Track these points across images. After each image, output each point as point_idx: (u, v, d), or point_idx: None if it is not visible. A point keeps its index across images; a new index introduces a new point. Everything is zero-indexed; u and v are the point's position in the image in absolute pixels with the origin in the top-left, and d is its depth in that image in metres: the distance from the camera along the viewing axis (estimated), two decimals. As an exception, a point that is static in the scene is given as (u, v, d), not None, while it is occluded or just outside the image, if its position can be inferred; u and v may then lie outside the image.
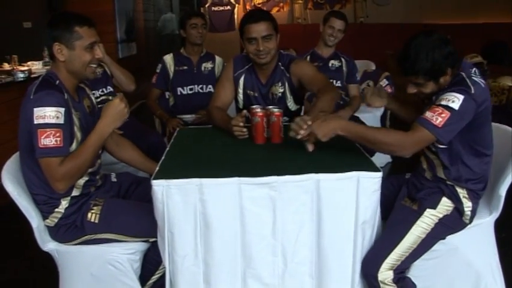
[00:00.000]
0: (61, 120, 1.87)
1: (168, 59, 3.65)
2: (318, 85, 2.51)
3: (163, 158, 2.10)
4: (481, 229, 2.14)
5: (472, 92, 1.86)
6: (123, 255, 2.06)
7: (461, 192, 2.01)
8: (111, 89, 3.29)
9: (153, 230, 1.93)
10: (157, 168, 1.95)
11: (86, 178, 2.07)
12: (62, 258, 2.12)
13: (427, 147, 2.04)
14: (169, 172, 1.90)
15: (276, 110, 2.27)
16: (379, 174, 1.85)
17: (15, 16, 6.30)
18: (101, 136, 1.98)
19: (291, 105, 2.74)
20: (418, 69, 1.93)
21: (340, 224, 1.86)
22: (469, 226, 2.07)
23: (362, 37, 8.02)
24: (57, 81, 1.98)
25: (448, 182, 2.02)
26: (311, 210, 1.86)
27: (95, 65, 2.07)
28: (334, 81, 3.61)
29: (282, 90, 2.67)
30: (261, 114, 2.25)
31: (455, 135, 1.91)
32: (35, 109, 1.85)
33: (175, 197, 1.81)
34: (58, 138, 1.85)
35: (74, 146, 1.96)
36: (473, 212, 2.04)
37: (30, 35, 6.22)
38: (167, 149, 2.26)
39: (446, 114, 1.84)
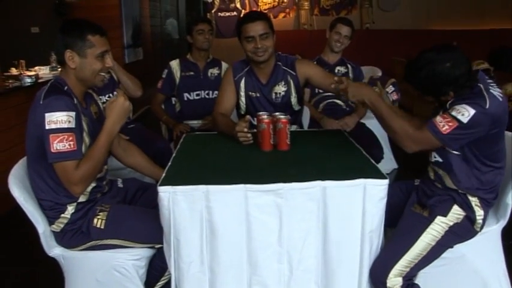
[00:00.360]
0: (73, 125, 1.88)
1: (174, 64, 3.65)
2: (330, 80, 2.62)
3: (169, 164, 2.10)
4: (488, 237, 2.12)
5: (487, 106, 1.85)
6: (129, 261, 2.06)
7: (473, 200, 2.00)
8: None
9: (159, 236, 1.93)
10: (163, 175, 1.95)
11: (93, 184, 2.08)
12: (68, 263, 2.12)
13: (433, 161, 2.07)
14: (176, 178, 1.89)
15: (283, 117, 2.27)
16: (386, 182, 1.84)
17: (23, 21, 6.36)
18: (111, 135, 2.00)
19: (295, 104, 2.78)
20: (418, 83, 1.97)
21: (346, 232, 1.86)
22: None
23: (368, 43, 8.02)
24: (66, 87, 1.99)
25: (460, 191, 2.01)
26: (317, 218, 1.85)
27: (104, 73, 2.08)
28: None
29: (285, 89, 2.74)
30: (267, 121, 2.24)
31: (469, 145, 1.93)
32: (46, 114, 1.85)
33: (182, 204, 1.81)
34: (71, 142, 1.87)
35: (83, 151, 1.96)
36: (484, 221, 2.03)
37: (38, 40, 6.27)
38: (173, 155, 2.26)
39: (454, 124, 1.86)
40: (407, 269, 1.94)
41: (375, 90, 2.19)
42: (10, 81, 4.25)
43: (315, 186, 1.82)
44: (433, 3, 9.07)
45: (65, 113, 1.87)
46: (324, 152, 2.25)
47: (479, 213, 2.00)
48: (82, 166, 1.90)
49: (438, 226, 1.98)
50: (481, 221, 2.01)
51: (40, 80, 4.56)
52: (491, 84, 1.95)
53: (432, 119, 1.92)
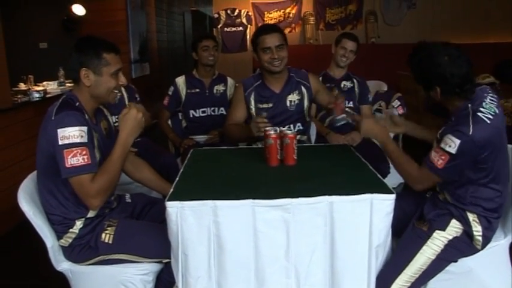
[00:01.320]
0: (85, 139, 1.90)
1: (180, 81, 3.67)
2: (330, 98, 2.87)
3: (177, 179, 2.11)
4: (496, 251, 2.11)
5: (470, 133, 1.86)
6: (136, 275, 2.07)
7: (471, 216, 1.99)
8: None
9: (167, 251, 1.93)
10: (171, 190, 1.96)
11: None
12: (76, 278, 2.13)
13: None
14: (184, 194, 1.90)
15: (290, 132, 2.28)
16: (393, 196, 1.85)
17: (31, 37, 6.42)
18: (125, 147, 2.01)
19: (306, 113, 2.93)
20: (414, 65, 2.03)
21: (353, 247, 1.86)
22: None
23: (374, 57, 8.04)
24: (77, 103, 2.01)
25: (459, 206, 2.01)
26: (324, 233, 1.85)
27: (117, 91, 2.10)
28: (347, 102, 3.62)
29: (299, 98, 2.89)
30: (274, 136, 2.26)
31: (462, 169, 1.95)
32: (58, 130, 1.87)
33: (190, 219, 1.82)
34: (85, 156, 1.88)
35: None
36: (486, 239, 2.01)
37: (46, 55, 6.33)
38: (181, 170, 2.27)
39: (446, 157, 1.90)
40: (408, 284, 1.95)
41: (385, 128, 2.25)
42: (19, 96, 4.30)
43: (322, 201, 1.83)
44: (437, 17, 9.10)
45: (77, 128, 1.88)
46: (331, 167, 2.25)
47: (477, 228, 1.99)
48: (98, 179, 1.91)
49: (437, 240, 1.98)
50: (479, 238, 1.99)
51: (48, 95, 4.60)
52: (490, 100, 1.95)
53: (428, 157, 1.96)
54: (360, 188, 1.88)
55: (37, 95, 4.44)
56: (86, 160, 1.88)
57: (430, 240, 1.99)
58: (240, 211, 1.82)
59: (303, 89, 2.90)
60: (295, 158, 2.28)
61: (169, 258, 1.94)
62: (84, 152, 1.88)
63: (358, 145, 3.29)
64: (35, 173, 2.13)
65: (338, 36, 3.70)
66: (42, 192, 2.06)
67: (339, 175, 2.12)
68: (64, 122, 1.88)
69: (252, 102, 2.88)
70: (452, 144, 1.87)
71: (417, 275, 1.96)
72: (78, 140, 1.87)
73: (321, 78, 3.61)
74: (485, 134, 1.88)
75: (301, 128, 2.91)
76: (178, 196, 1.87)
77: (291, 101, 2.89)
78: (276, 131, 2.32)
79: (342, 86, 3.65)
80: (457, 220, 2.00)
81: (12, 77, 4.10)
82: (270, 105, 2.87)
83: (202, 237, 1.84)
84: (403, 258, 1.98)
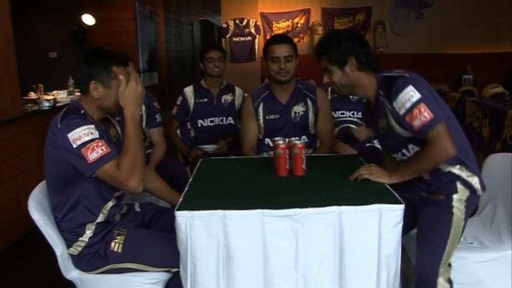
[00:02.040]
0: (96, 135, 1.92)
1: (189, 91, 3.69)
2: (326, 127, 3.01)
3: (186, 189, 2.12)
4: (505, 261, 2.11)
5: (407, 75, 1.93)
6: (145, 284, 2.07)
7: (461, 174, 1.99)
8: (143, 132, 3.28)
9: (176, 260, 1.94)
10: (180, 200, 1.97)
11: (112, 202, 2.11)
12: (84, 286, 2.14)
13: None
14: (193, 203, 1.91)
15: (298, 142, 2.29)
16: (401, 207, 1.85)
17: (41, 46, 6.48)
18: (135, 122, 2.00)
19: (312, 125, 2.97)
20: (322, 51, 2.10)
21: (362, 257, 1.85)
22: (492, 258, 2.06)
23: (382, 67, 8.04)
24: (82, 111, 2.03)
25: (444, 171, 2.00)
26: (333, 243, 1.85)
27: None
28: (355, 112, 3.61)
29: (304, 109, 2.94)
30: (283, 146, 2.27)
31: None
32: (68, 135, 1.89)
33: (199, 229, 1.82)
34: (103, 147, 1.90)
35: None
36: (481, 179, 2.01)
37: (56, 64, 6.39)
38: (190, 179, 2.28)
39: (423, 106, 1.87)
40: (452, 257, 1.97)
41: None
42: (29, 105, 4.34)
43: (331, 212, 1.83)
44: (446, 27, 9.11)
45: (84, 127, 1.91)
46: (340, 177, 2.25)
47: (474, 180, 1.99)
48: (122, 163, 1.92)
49: (458, 203, 1.97)
50: (479, 186, 2.00)
51: (58, 104, 4.65)
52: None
53: (417, 129, 1.89)
54: (368, 198, 1.88)
55: (47, 104, 4.49)
56: (104, 150, 1.90)
57: (455, 207, 1.97)
58: (249, 221, 1.82)
59: (309, 102, 2.95)
60: (304, 168, 2.28)
61: (178, 267, 1.94)
62: (100, 144, 1.90)
63: (367, 155, 3.28)
64: (45, 181, 2.14)
65: (345, 46, 3.70)
66: (52, 201, 2.07)
67: (348, 185, 2.13)
68: (70, 126, 1.91)
69: (261, 113, 2.94)
70: (412, 92, 1.88)
71: (454, 246, 1.97)
72: (89, 137, 1.90)
73: (329, 90, 3.62)
74: (416, 75, 1.96)
75: (306, 140, 2.93)
76: (187, 206, 1.88)
77: (295, 112, 2.93)
78: (284, 141, 2.33)
79: (351, 97, 3.64)
80: (460, 184, 1.99)
81: (22, 86, 4.15)
82: (277, 116, 2.93)
83: (211, 247, 1.84)
84: (441, 236, 1.97)
